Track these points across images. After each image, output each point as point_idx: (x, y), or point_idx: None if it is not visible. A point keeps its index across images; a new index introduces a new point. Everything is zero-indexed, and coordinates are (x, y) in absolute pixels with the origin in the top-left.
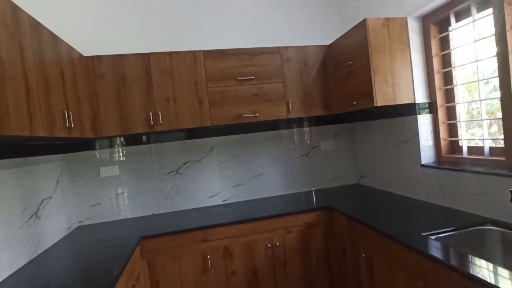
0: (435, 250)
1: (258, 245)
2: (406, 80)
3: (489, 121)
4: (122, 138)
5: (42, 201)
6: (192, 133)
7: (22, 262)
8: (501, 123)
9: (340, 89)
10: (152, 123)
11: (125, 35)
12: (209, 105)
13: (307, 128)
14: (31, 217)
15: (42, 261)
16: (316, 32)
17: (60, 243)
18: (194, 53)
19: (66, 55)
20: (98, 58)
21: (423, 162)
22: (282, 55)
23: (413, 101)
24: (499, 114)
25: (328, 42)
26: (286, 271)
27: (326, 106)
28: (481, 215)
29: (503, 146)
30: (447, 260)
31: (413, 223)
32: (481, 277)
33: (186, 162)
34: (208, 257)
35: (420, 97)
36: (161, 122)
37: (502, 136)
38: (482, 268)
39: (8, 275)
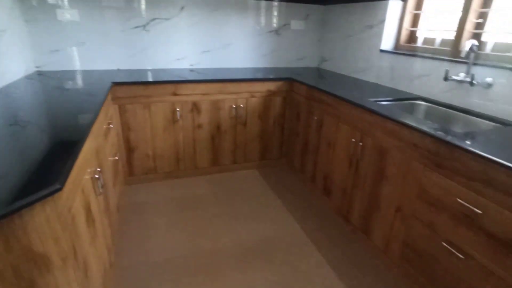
0: (376, 107)
1: (224, 104)
2: None
3: (450, 14)
4: None
5: None
6: None
7: None
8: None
9: None
10: None
11: None
12: None
13: (281, 3)
14: None
15: (5, 95)
16: None
17: (20, 83)
18: None
19: None
20: None
21: (382, 48)
22: None
23: None
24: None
25: None
26: (245, 129)
27: None
28: (415, 94)
29: (453, 38)
30: (383, 112)
31: (362, 94)
32: (409, 123)
33: (155, 19)
34: (177, 109)
35: None
36: None
37: (455, 29)
38: (409, 120)
39: None
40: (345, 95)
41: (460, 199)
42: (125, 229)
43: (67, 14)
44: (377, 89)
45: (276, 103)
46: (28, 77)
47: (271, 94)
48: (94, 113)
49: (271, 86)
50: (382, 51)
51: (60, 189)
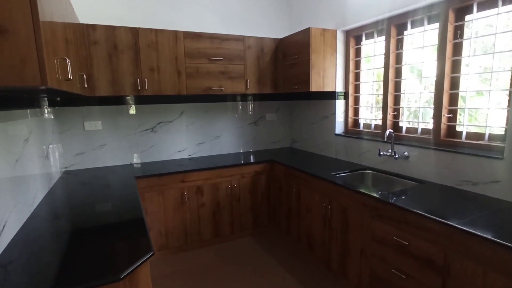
0: (337, 179)
1: (221, 186)
2: (331, 74)
3: (376, 108)
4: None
5: (48, 145)
6: (166, 99)
7: (41, 195)
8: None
9: (286, 75)
10: (139, 87)
11: (112, 6)
12: (186, 77)
13: (257, 102)
14: (44, 158)
15: (55, 194)
16: (271, 25)
17: (60, 182)
18: (176, 32)
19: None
20: (93, 26)
21: (336, 132)
22: (244, 43)
23: (334, 90)
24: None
25: (279, 35)
26: (239, 204)
27: (274, 86)
28: (364, 164)
29: (381, 123)
30: (343, 183)
31: (326, 168)
32: (358, 189)
33: (160, 122)
34: (185, 193)
35: (339, 87)
36: (146, 87)
37: (381, 117)
38: (361, 188)
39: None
40: (313, 171)
41: (395, 237)
42: None
43: (93, 125)
44: (337, 163)
45: (262, 180)
46: (61, 177)
47: (257, 173)
48: (138, 203)
49: (257, 167)
50: (336, 134)
51: (153, 254)
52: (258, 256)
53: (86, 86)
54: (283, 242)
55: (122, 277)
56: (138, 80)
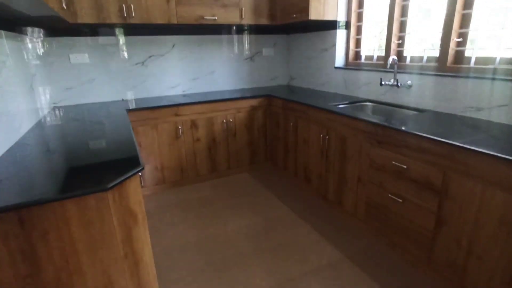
0: (336, 109)
1: (216, 120)
2: (333, 0)
3: (380, 38)
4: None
5: (32, 76)
6: (156, 30)
7: (28, 126)
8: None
9: (283, 3)
10: (125, 15)
11: None
12: (176, 4)
13: (253, 36)
14: (28, 88)
15: (44, 126)
16: None
17: (49, 117)
18: None
19: None
20: None
21: (336, 65)
22: None
23: (335, 19)
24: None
25: None
26: (236, 139)
27: (271, 17)
28: (364, 97)
29: (383, 55)
30: (341, 111)
31: (325, 100)
32: (358, 116)
33: (151, 56)
34: (180, 127)
35: (341, 16)
36: (133, 15)
37: (384, 48)
38: (357, 115)
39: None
40: (312, 102)
41: (394, 161)
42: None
43: (79, 58)
44: (336, 97)
45: (258, 115)
46: (50, 112)
47: (253, 108)
48: (129, 132)
49: (253, 102)
50: (336, 67)
51: (143, 169)
52: (255, 189)
53: (65, 7)
54: (280, 177)
55: (110, 186)
56: (124, 6)
